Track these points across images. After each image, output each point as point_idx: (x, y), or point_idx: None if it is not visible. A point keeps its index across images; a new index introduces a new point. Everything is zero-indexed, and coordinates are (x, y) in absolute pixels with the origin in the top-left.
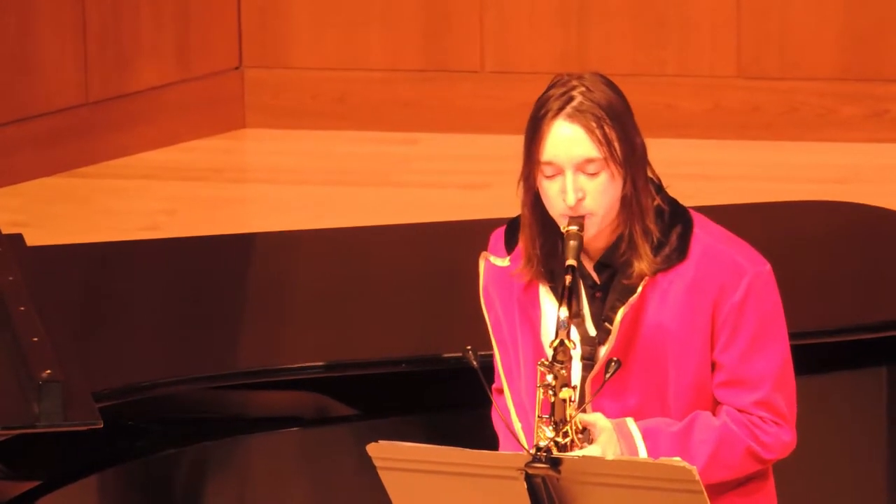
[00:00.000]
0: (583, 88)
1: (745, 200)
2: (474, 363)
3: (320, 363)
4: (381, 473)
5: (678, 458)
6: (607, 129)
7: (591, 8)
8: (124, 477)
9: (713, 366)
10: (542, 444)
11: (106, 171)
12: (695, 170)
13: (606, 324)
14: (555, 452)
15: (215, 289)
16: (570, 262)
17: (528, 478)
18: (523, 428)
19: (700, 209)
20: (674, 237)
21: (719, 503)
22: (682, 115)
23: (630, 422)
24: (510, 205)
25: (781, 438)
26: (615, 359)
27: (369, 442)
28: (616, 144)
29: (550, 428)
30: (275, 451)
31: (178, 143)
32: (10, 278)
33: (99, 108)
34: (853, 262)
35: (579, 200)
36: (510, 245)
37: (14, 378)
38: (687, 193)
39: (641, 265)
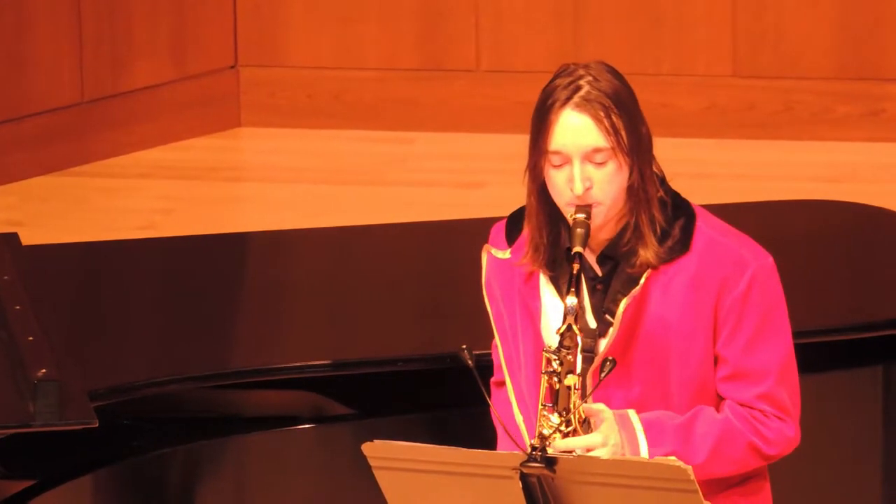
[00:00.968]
0: (590, 78)
1: (740, 199)
2: (469, 362)
3: (316, 362)
4: (376, 473)
5: (673, 458)
6: (615, 119)
7: (586, 7)
8: (120, 476)
9: (716, 359)
10: (546, 431)
11: (101, 169)
12: (690, 168)
13: (607, 316)
14: (558, 440)
15: (211, 288)
16: (577, 249)
17: (524, 477)
18: (525, 421)
19: None
20: (676, 230)
21: (721, 501)
22: (678, 114)
23: (632, 413)
24: (506, 203)
25: (784, 433)
26: (610, 358)
27: (365, 441)
28: (623, 134)
29: (555, 415)
30: (270, 450)
31: (173, 142)
32: (6, 277)
33: (94, 107)
34: (849, 261)
35: (587, 189)
36: (511, 237)
37: (9, 377)
38: (683, 192)
39: (647, 254)
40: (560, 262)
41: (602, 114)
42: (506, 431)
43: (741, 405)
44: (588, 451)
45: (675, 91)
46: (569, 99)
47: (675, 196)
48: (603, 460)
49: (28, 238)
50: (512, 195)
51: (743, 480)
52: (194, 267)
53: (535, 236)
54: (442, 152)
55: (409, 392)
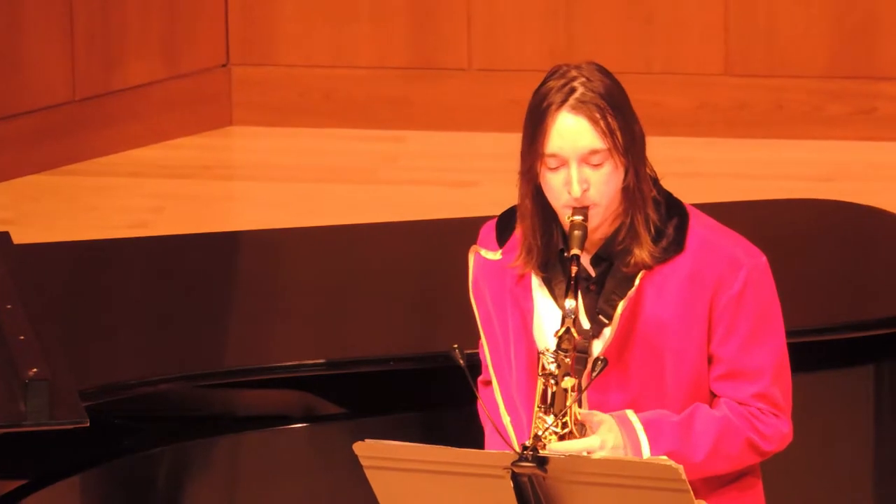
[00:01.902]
0: (583, 79)
1: (732, 198)
2: (461, 361)
3: (307, 362)
4: (367, 472)
5: (664, 457)
6: (610, 120)
7: (578, 5)
8: (111, 475)
9: (710, 358)
10: (540, 433)
11: (93, 168)
12: (682, 167)
13: (601, 317)
14: (555, 443)
15: (202, 287)
16: (575, 251)
17: (515, 476)
18: (512, 422)
19: None
20: (671, 229)
21: (716, 498)
22: (670, 113)
23: (631, 413)
24: (498, 202)
25: (780, 429)
26: (602, 357)
27: (356, 441)
28: (619, 134)
29: (550, 417)
30: (262, 450)
31: (165, 141)
32: None
33: (86, 106)
34: (840, 260)
35: (584, 191)
36: (502, 238)
37: (0, 376)
38: (674, 191)
39: (642, 253)
40: (553, 264)
41: (598, 115)
42: (496, 430)
43: (737, 402)
44: (588, 454)
45: (667, 90)
46: (564, 101)
47: (669, 196)
48: (594, 460)
49: (19, 237)
50: (504, 194)
51: (737, 477)
52: (185, 266)
53: (528, 238)
54: (434, 151)
55: (400, 391)
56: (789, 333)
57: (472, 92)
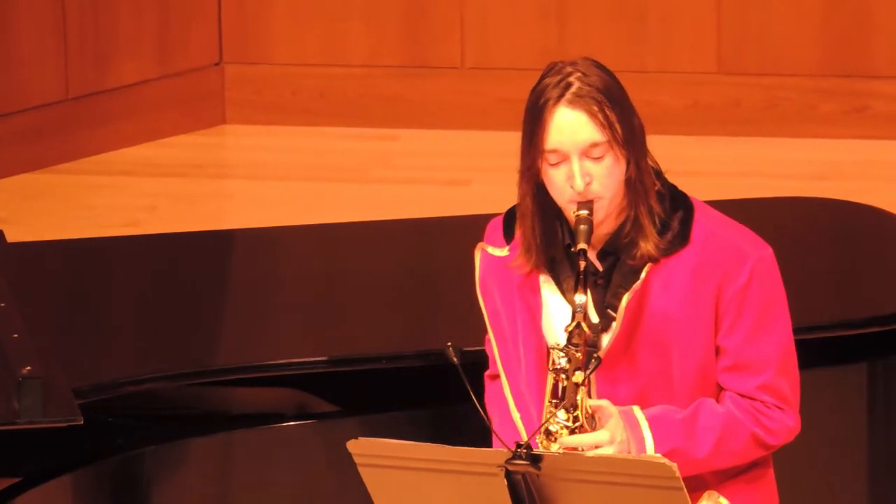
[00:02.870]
0: (579, 74)
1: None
2: (455, 359)
3: (301, 359)
4: (361, 470)
5: (658, 455)
6: (608, 112)
7: (570, 4)
8: (105, 474)
9: (717, 350)
10: (553, 428)
11: (86, 167)
12: (675, 166)
13: (609, 311)
14: (566, 437)
15: (196, 285)
16: (582, 246)
17: (509, 474)
18: (522, 418)
19: None
20: (675, 222)
21: (723, 490)
22: (662, 111)
23: (636, 409)
24: (490, 200)
25: (786, 423)
26: (596, 355)
27: (350, 438)
28: (617, 126)
29: (562, 412)
30: (256, 447)
31: (158, 139)
32: None
33: (79, 105)
34: (833, 258)
35: (587, 185)
36: (509, 235)
37: None
38: None
39: (647, 246)
40: (560, 260)
41: (595, 108)
42: (493, 434)
43: (742, 396)
44: (596, 447)
45: (660, 88)
46: (561, 96)
47: (673, 188)
48: (588, 457)
49: (13, 235)
50: (497, 192)
51: (747, 468)
52: (179, 264)
53: (528, 238)
54: (427, 149)
55: (394, 389)
56: None
57: (465, 90)
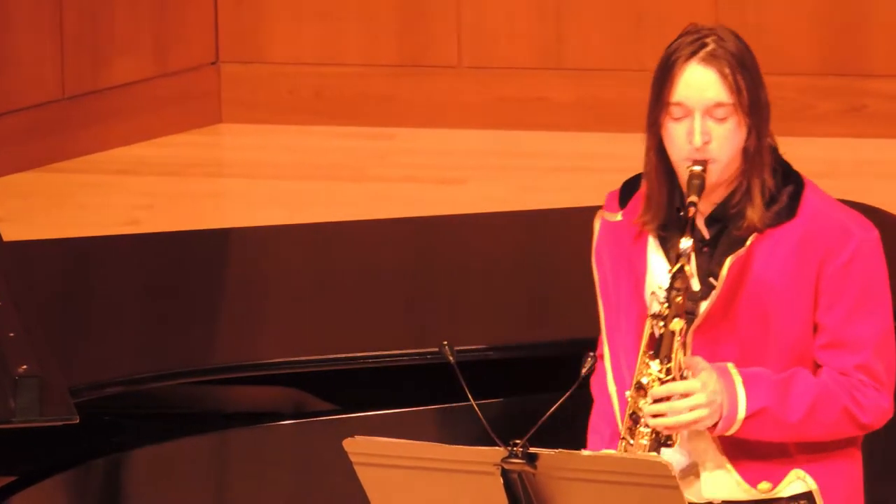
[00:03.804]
0: (715, 37)
1: None
2: (451, 358)
3: (297, 358)
4: (357, 469)
5: (654, 454)
6: (739, 77)
7: (567, 3)
8: (101, 472)
9: (815, 327)
10: (645, 380)
11: (83, 166)
12: None
13: (711, 279)
14: (657, 387)
15: (192, 284)
16: (693, 198)
17: (504, 473)
18: (618, 391)
19: None
20: (784, 196)
21: (808, 468)
22: None
23: (731, 366)
24: (487, 199)
25: (880, 403)
26: (592, 353)
27: (347, 437)
28: (745, 93)
29: (656, 362)
30: (252, 446)
31: (154, 138)
32: None
33: (75, 104)
34: None
35: (705, 143)
36: (623, 201)
37: None
38: None
39: (754, 216)
40: (671, 224)
41: (727, 70)
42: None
43: (839, 373)
44: (687, 395)
45: None
46: (694, 53)
47: (787, 166)
48: (584, 456)
49: (9, 234)
50: (493, 191)
51: (833, 449)
52: (175, 263)
53: (653, 192)
54: (423, 148)
55: (390, 388)
56: None
57: (462, 89)
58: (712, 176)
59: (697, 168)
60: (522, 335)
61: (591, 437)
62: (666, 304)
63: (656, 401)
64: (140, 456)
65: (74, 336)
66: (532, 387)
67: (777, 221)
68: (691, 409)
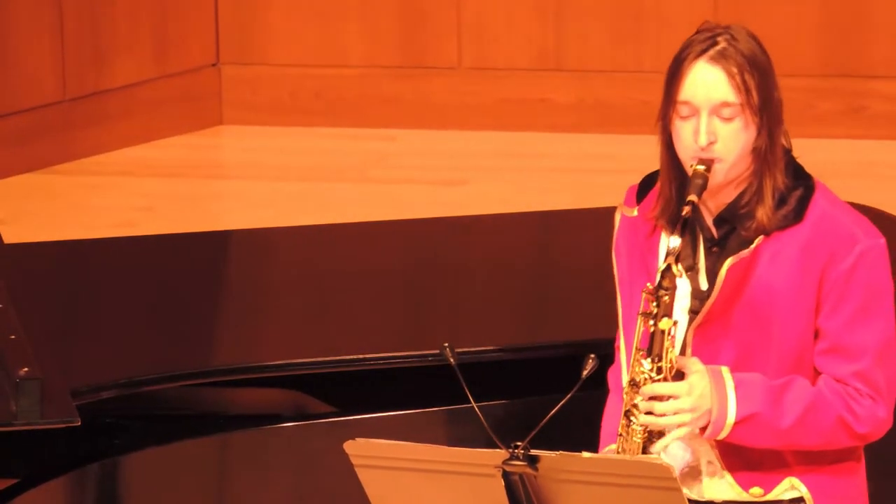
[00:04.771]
0: (728, 36)
1: None
2: (451, 360)
3: (298, 360)
4: (358, 471)
5: (656, 456)
6: (747, 77)
7: (567, 4)
8: (102, 475)
9: (816, 332)
10: (638, 378)
11: (83, 167)
12: None
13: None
14: (646, 386)
15: (192, 286)
16: (692, 198)
17: (506, 475)
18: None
19: None
20: (793, 199)
21: (808, 479)
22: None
23: (725, 369)
24: (488, 200)
25: (876, 414)
26: (592, 355)
27: (348, 439)
28: (754, 93)
29: (647, 361)
30: (253, 448)
31: (155, 140)
32: None
33: (76, 105)
34: None
35: (710, 143)
36: (640, 196)
37: None
38: None
39: (762, 217)
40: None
41: (735, 70)
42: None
43: (836, 380)
44: (672, 397)
45: (657, 88)
46: (704, 52)
47: (799, 168)
48: (585, 458)
49: (9, 236)
50: (494, 192)
51: (834, 460)
52: (175, 265)
53: (665, 188)
54: (424, 150)
55: (391, 390)
56: None
57: (462, 91)
58: (718, 176)
59: (700, 167)
60: (523, 337)
61: (605, 426)
62: (655, 303)
63: (646, 399)
64: (141, 458)
65: (75, 338)
66: (533, 389)
67: (784, 225)
68: (675, 412)
